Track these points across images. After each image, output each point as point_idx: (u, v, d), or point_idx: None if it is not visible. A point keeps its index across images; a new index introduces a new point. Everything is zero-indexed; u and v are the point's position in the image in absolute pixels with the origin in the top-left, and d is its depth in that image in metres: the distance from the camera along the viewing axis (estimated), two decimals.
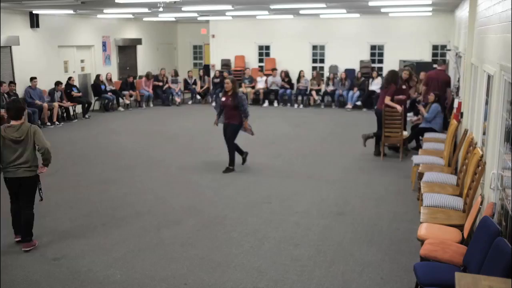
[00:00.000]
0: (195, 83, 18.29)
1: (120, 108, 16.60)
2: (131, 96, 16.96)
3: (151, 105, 17.42)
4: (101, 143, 11.55)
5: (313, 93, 17.00)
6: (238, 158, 9.18)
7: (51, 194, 7.71)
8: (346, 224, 6.38)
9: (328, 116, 15.07)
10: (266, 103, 17.43)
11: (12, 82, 12.93)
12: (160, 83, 17.68)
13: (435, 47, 17.25)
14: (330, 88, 16.92)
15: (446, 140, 8.04)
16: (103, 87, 16.10)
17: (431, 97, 9.70)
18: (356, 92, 16.48)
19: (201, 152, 10.52)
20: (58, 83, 14.15)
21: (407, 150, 9.92)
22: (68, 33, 15.60)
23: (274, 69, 17.71)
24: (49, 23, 14.65)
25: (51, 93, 14.04)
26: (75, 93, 14.81)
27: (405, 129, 9.79)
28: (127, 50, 18.79)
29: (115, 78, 17.45)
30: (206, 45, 21.64)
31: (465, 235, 4.68)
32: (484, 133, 5.62)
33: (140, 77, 18.21)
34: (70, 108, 14.65)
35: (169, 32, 21.80)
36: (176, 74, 18.36)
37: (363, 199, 7.38)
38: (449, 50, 13.73)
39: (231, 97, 8.71)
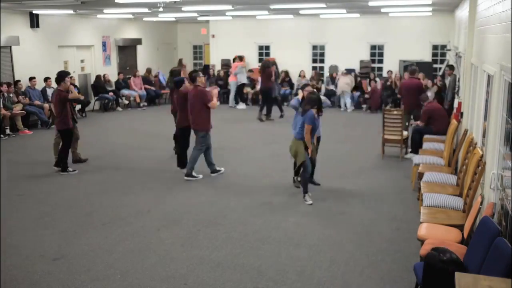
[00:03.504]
0: None
1: (119, 108, 16.60)
2: (130, 96, 16.92)
3: (140, 105, 17.05)
4: (100, 143, 11.54)
5: None
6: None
7: (51, 194, 7.72)
8: (346, 224, 6.38)
9: (328, 116, 15.02)
10: None
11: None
12: (153, 87, 17.60)
13: (435, 47, 17.24)
14: (330, 87, 16.93)
15: (446, 140, 8.04)
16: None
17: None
18: (355, 93, 16.46)
19: None
20: (46, 79, 13.83)
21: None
22: (68, 33, 15.60)
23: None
24: (49, 23, 14.64)
25: (43, 91, 13.84)
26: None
27: None
28: (127, 50, 18.79)
29: (115, 78, 17.42)
30: (206, 45, 21.64)
31: (465, 235, 4.68)
32: (484, 134, 5.63)
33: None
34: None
35: (169, 32, 21.80)
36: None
37: (363, 199, 7.38)
38: (449, 50, 13.73)
39: None
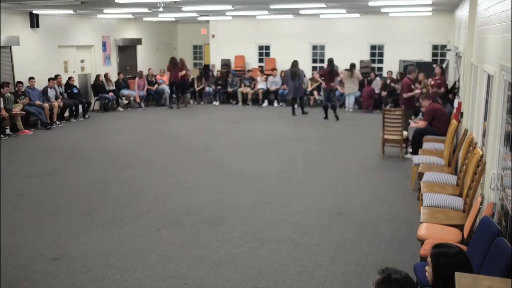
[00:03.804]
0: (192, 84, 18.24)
1: (120, 108, 16.59)
2: (130, 96, 16.92)
3: (141, 105, 17.08)
4: (100, 143, 11.55)
5: (315, 92, 16.99)
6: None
7: (51, 194, 7.72)
8: (346, 224, 6.38)
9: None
10: (265, 103, 17.43)
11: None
12: (155, 87, 17.63)
13: (435, 47, 17.26)
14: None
15: (446, 140, 8.04)
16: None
17: None
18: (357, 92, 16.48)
19: (200, 152, 10.52)
20: (50, 79, 13.94)
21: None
22: (68, 33, 15.60)
23: (274, 69, 17.73)
24: (49, 23, 14.65)
25: (45, 91, 13.85)
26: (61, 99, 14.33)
27: None
28: (127, 50, 18.79)
29: (115, 78, 17.43)
30: (206, 45, 21.65)
31: (465, 235, 4.68)
32: (484, 134, 5.63)
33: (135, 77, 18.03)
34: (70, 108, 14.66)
35: (169, 32, 21.80)
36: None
37: (363, 199, 7.38)
38: (449, 50, 13.74)
39: None
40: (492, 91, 5.08)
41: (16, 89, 12.95)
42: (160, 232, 6.15)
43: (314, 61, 18.58)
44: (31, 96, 13.26)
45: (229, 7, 13.04)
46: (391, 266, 2.83)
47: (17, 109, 12.52)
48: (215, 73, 18.38)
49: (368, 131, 12.34)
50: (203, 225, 6.35)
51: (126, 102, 16.82)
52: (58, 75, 14.77)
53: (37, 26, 14.06)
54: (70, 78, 14.96)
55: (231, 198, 7.43)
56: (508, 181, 4.05)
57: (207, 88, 18.02)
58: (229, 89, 17.62)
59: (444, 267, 2.98)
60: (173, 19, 19.33)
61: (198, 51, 22.91)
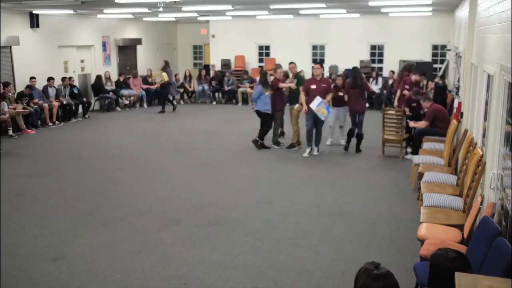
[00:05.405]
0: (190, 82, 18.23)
1: (118, 108, 16.58)
2: (130, 96, 16.91)
3: (145, 105, 17.25)
4: (100, 143, 11.54)
5: None
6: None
7: (51, 194, 7.72)
8: (346, 224, 6.38)
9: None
10: None
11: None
12: (155, 86, 17.65)
13: (435, 47, 17.26)
14: None
15: (446, 140, 8.04)
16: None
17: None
18: None
19: (200, 152, 10.52)
20: (50, 79, 13.98)
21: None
22: (68, 33, 15.60)
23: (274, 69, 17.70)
24: (49, 23, 14.65)
25: (45, 90, 13.87)
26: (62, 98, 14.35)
27: None
28: (127, 50, 18.79)
29: (115, 78, 17.42)
30: (206, 45, 21.66)
31: (465, 235, 4.68)
32: (484, 134, 5.63)
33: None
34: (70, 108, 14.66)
35: (169, 32, 21.80)
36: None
37: (363, 199, 7.38)
38: (449, 50, 13.75)
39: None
40: (492, 91, 5.08)
41: (23, 90, 12.95)
42: (160, 232, 6.15)
43: (314, 61, 18.55)
44: (46, 96, 13.24)
45: (229, 7, 13.04)
46: (391, 266, 2.83)
47: (19, 108, 12.51)
48: (213, 73, 18.36)
49: (368, 130, 12.32)
50: (203, 225, 6.35)
51: (126, 102, 16.81)
52: (71, 77, 14.84)
53: (37, 26, 14.06)
54: (70, 78, 14.96)
55: (231, 198, 7.42)
56: (508, 181, 4.05)
57: (199, 87, 17.93)
58: (226, 88, 17.60)
59: (441, 268, 2.98)
60: (173, 19, 19.33)
61: (198, 51, 22.92)
